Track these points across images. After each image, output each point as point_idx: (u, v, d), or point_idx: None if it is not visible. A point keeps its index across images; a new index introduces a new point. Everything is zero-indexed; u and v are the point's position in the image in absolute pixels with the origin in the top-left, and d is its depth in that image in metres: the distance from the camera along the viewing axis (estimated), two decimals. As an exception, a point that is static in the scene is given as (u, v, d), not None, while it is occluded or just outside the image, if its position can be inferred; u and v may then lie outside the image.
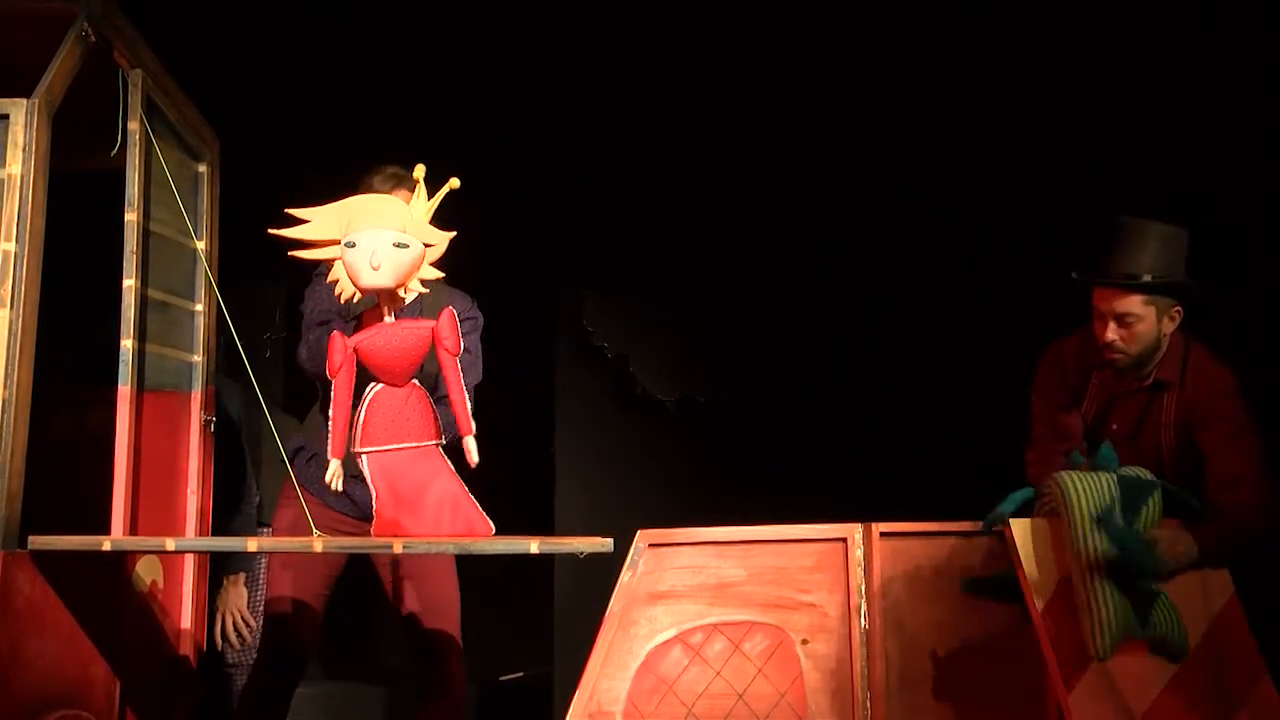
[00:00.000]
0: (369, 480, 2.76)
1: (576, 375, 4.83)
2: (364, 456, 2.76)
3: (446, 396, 2.79)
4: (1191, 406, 3.47)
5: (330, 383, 2.79)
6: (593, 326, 4.10)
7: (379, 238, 2.69)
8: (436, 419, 2.81)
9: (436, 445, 2.81)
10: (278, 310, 4.80)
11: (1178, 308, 3.45)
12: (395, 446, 2.76)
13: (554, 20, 4.62)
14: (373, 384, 2.79)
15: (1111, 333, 3.43)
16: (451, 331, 2.76)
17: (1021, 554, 3.13)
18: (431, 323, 2.78)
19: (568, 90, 4.75)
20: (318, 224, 2.73)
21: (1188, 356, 3.50)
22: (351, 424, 2.77)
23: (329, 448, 2.76)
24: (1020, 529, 3.17)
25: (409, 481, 2.75)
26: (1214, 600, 3.22)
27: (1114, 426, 3.57)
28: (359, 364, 2.78)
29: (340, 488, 2.77)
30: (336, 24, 4.57)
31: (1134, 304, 3.40)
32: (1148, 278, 3.38)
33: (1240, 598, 3.23)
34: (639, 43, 4.65)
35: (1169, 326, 3.46)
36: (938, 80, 4.58)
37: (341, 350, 2.75)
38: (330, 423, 2.76)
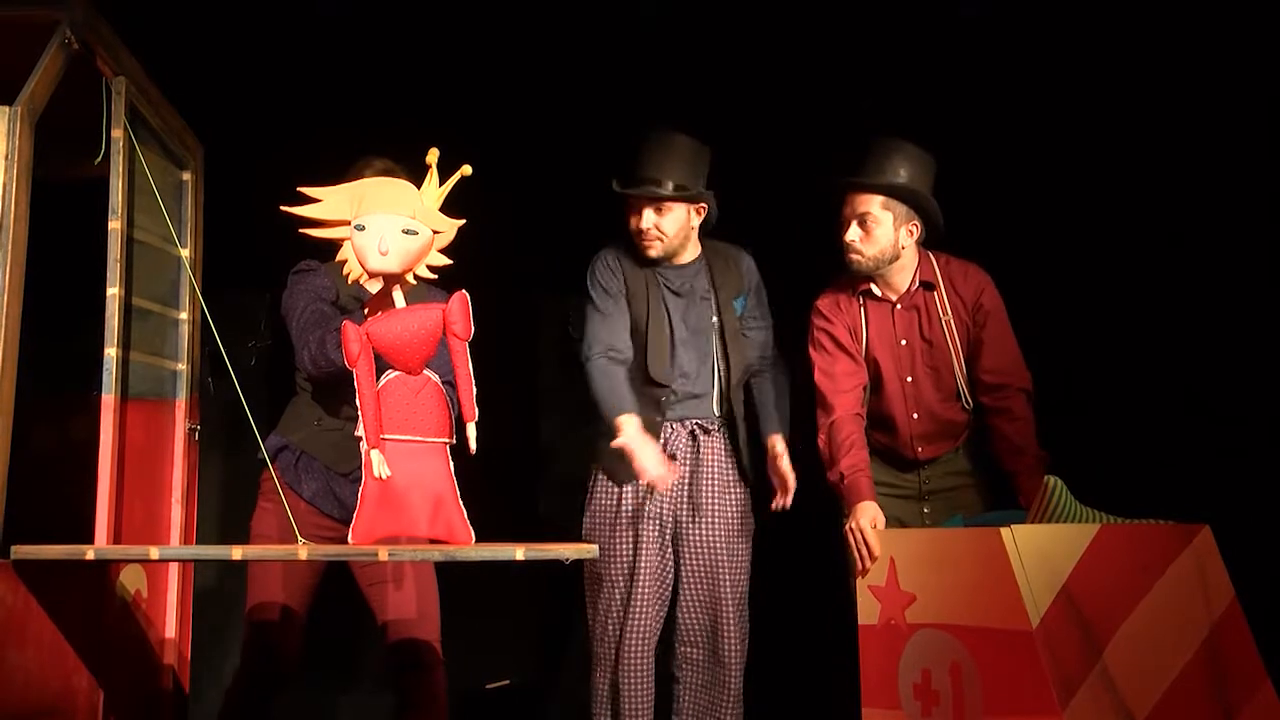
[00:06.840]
0: (365, 468, 2.71)
1: (560, 380, 4.81)
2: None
3: (453, 381, 2.75)
4: (964, 300, 3.81)
5: (344, 377, 2.77)
6: (578, 333, 4.10)
7: (389, 222, 2.70)
8: (450, 417, 2.77)
9: (445, 444, 2.77)
10: (262, 318, 4.78)
11: (915, 222, 3.79)
12: (403, 437, 2.73)
13: (544, 24, 4.62)
14: (387, 372, 2.76)
15: (852, 233, 3.77)
16: (462, 316, 2.72)
17: (1023, 560, 3.06)
18: (442, 306, 2.75)
19: (556, 95, 4.75)
20: (329, 204, 2.73)
21: (939, 264, 3.86)
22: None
23: (364, 438, 2.71)
24: (1023, 534, 3.09)
25: (402, 477, 2.71)
26: (1215, 604, 3.19)
27: (902, 342, 3.84)
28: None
29: (387, 474, 2.69)
30: (321, 30, 4.56)
31: (873, 204, 3.75)
32: (902, 181, 3.73)
33: (1241, 601, 3.22)
34: (632, 45, 4.65)
35: (906, 239, 3.80)
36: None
37: (357, 338, 2.71)
38: (360, 412, 2.71)
